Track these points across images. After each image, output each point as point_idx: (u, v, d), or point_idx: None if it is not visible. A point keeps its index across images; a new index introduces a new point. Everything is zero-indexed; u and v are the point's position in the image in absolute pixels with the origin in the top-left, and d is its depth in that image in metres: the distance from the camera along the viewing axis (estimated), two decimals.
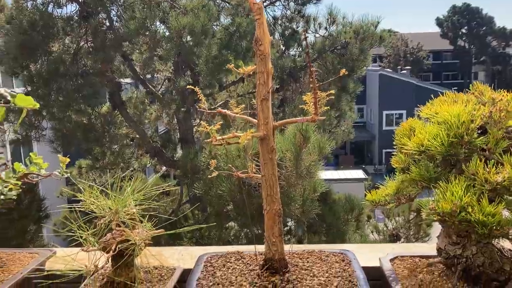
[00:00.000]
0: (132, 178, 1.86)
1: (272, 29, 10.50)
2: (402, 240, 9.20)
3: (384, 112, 36.79)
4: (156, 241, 1.91)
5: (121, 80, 10.22)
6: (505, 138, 1.69)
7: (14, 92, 1.89)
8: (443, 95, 1.95)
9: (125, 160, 10.76)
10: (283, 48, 10.82)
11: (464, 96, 1.91)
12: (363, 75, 10.59)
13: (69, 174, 2.09)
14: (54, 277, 1.70)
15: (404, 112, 33.96)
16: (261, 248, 1.97)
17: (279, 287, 1.77)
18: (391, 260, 2.03)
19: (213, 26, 8.63)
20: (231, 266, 1.98)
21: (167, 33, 8.24)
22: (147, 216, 1.84)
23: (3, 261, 2.10)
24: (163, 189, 2.04)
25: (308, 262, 1.98)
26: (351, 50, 9.65)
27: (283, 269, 1.86)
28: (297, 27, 10.78)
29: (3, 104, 1.86)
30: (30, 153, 2.10)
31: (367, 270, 1.91)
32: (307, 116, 1.81)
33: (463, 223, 1.59)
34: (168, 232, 1.88)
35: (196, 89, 1.90)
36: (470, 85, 1.97)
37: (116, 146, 10.49)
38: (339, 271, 1.89)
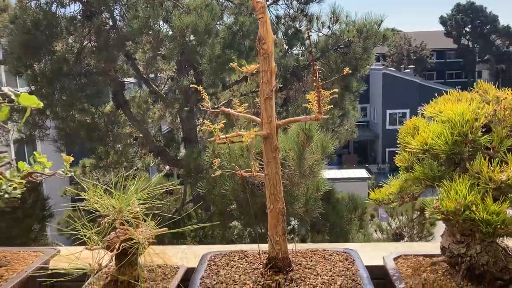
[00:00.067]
0: (136, 177, 1.86)
1: (275, 28, 10.49)
2: (405, 239, 9.19)
3: (388, 111, 36.73)
4: (160, 240, 1.91)
5: (125, 79, 10.25)
6: (510, 136, 1.68)
7: (18, 91, 1.90)
8: (447, 94, 1.94)
9: (129, 159, 10.79)
10: (286, 47, 10.82)
11: (468, 95, 1.91)
12: (366, 74, 10.58)
13: (72, 173, 2.09)
14: (58, 276, 1.71)
15: (407, 111, 33.89)
16: (264, 247, 1.97)
17: (282, 286, 1.77)
18: (395, 259, 2.03)
19: (216, 25, 8.63)
20: (235, 265, 1.98)
21: (170, 32, 8.24)
22: (151, 215, 1.85)
23: (7, 260, 2.11)
24: (167, 188, 2.04)
25: (311, 261, 1.98)
26: (354, 49, 9.63)
27: (287, 268, 1.86)
28: (300, 26, 10.77)
29: (7, 103, 1.86)
30: (34, 152, 2.10)
31: (370, 269, 1.90)
32: (310, 115, 1.81)
33: (467, 222, 1.59)
34: (171, 231, 1.89)
35: (200, 88, 1.90)
36: (474, 83, 1.96)
37: (119, 145, 10.52)
38: (343, 270, 1.89)
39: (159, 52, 8.51)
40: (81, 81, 8.71)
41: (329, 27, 10.28)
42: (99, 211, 1.78)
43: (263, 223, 4.80)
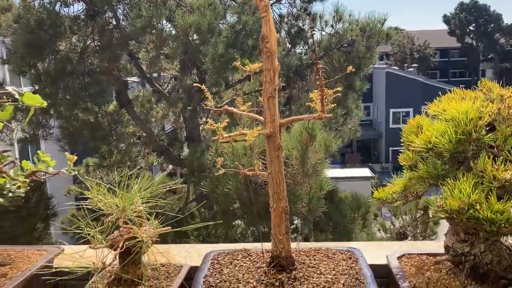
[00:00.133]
0: (139, 176, 1.87)
1: (278, 27, 10.48)
2: (409, 238, 9.17)
3: (391, 110, 36.65)
4: (163, 239, 1.91)
5: (128, 78, 10.27)
6: None
7: (22, 90, 1.90)
8: (450, 93, 1.93)
9: (132, 159, 10.80)
10: (289, 46, 10.81)
11: (472, 93, 1.90)
12: (369, 73, 10.56)
13: (76, 172, 2.10)
14: (62, 274, 1.71)
15: (411, 110, 33.80)
16: (268, 245, 1.97)
17: (286, 285, 1.77)
18: (399, 258, 2.02)
19: (219, 24, 8.64)
20: (238, 264, 1.98)
21: (173, 32, 8.25)
22: (154, 214, 1.85)
23: (12, 258, 2.12)
24: (170, 187, 2.04)
25: (315, 259, 1.98)
26: (357, 48, 9.62)
27: (290, 267, 1.86)
28: (303, 25, 10.77)
29: (11, 103, 1.87)
30: (38, 151, 2.11)
31: (374, 267, 1.90)
32: (313, 113, 1.80)
33: (471, 221, 1.58)
34: (175, 229, 1.89)
35: (203, 87, 1.90)
36: (478, 82, 1.96)
37: (123, 144, 10.53)
38: (346, 269, 1.89)
39: (162, 51, 8.51)
40: (85, 81, 8.73)
41: (332, 26, 10.27)
42: (102, 210, 1.79)
43: (266, 222, 4.80)
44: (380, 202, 2.02)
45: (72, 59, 8.65)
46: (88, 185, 1.82)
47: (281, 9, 11.16)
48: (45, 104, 1.88)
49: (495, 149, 1.68)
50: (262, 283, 1.79)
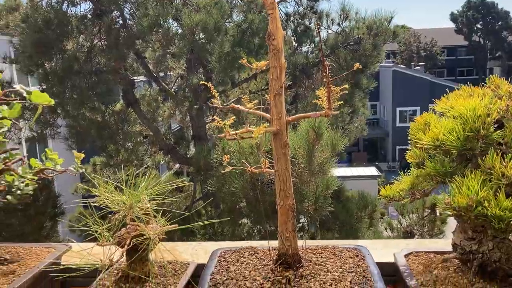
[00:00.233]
0: (146, 175, 1.87)
1: (284, 26, 10.47)
2: (416, 237, 9.13)
3: (398, 109, 36.51)
4: (170, 237, 1.92)
5: (135, 77, 10.31)
6: None
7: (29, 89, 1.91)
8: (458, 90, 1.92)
9: (139, 158, 10.84)
10: (296, 45, 10.80)
11: (480, 90, 1.89)
12: (376, 71, 10.52)
13: (83, 170, 2.10)
14: (70, 271, 1.72)
15: (418, 108, 33.65)
16: (274, 243, 1.96)
17: (293, 282, 1.77)
18: (406, 255, 2.01)
19: (226, 23, 8.64)
20: (245, 261, 1.98)
21: (180, 31, 8.27)
22: (161, 211, 1.85)
23: (20, 256, 2.13)
24: (177, 185, 2.04)
25: (321, 257, 1.98)
26: (364, 46, 9.59)
27: (297, 264, 1.86)
28: (309, 24, 10.76)
29: (19, 101, 1.88)
30: (46, 149, 2.12)
31: (381, 265, 1.89)
32: (320, 111, 1.80)
33: (479, 218, 1.57)
34: (181, 227, 1.89)
35: (210, 85, 1.90)
36: (486, 79, 1.94)
37: (129, 143, 10.57)
38: (353, 267, 1.88)
39: (168, 50, 8.54)
40: (92, 80, 8.78)
41: (338, 24, 10.25)
42: (110, 208, 1.79)
43: (272, 221, 4.80)
44: (387, 200, 2.01)
45: (79, 58, 8.70)
46: (96, 183, 1.83)
47: (287, 7, 11.16)
48: (52, 102, 1.89)
49: (503, 146, 1.67)
50: (268, 280, 1.79)
